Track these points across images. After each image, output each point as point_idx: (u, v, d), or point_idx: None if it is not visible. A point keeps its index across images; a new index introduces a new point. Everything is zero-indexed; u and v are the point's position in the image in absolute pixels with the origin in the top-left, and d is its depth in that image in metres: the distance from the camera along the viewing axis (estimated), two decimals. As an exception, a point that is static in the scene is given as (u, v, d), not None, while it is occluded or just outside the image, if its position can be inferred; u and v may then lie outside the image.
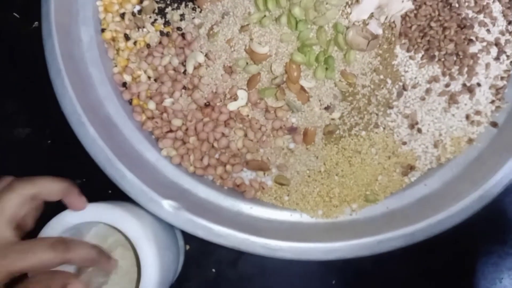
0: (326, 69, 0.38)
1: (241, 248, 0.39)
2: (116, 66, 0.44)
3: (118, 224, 0.35)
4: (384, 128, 0.42)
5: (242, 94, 0.40)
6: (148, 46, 0.44)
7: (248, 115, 0.41)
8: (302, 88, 0.39)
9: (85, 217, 0.35)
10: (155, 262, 0.35)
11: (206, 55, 0.41)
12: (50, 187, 0.34)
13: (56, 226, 0.35)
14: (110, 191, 0.48)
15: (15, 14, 0.51)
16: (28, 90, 0.48)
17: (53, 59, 0.40)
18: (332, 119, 0.40)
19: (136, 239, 0.35)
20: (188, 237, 0.48)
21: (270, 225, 0.41)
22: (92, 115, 0.40)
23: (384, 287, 0.47)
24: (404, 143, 0.42)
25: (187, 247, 0.47)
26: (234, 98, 0.41)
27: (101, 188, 0.48)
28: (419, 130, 0.42)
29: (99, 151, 0.39)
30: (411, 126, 0.42)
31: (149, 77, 0.44)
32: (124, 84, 0.44)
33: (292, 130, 0.41)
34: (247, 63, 0.40)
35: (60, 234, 0.35)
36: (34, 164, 0.48)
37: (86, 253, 0.33)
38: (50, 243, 0.31)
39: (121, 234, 0.37)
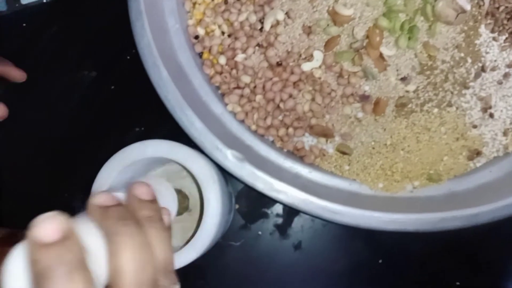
0: (409, 38, 0.38)
1: (299, 207, 0.39)
2: (191, 18, 0.45)
3: (188, 163, 0.35)
4: (457, 108, 0.41)
5: (317, 55, 0.40)
6: (226, 1, 0.44)
7: (320, 78, 0.41)
8: (381, 55, 0.38)
9: (154, 151, 0.35)
10: (218, 205, 0.35)
11: (286, 13, 0.41)
12: None
13: (123, 160, 0.35)
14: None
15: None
16: (94, 36, 0.49)
17: (135, 1, 0.41)
18: (407, 91, 0.40)
19: (204, 179, 0.35)
20: (238, 198, 0.48)
21: (329, 191, 0.41)
22: (166, 60, 0.41)
23: (431, 271, 0.46)
24: (475, 127, 0.41)
25: (237, 206, 0.47)
26: (309, 59, 0.41)
27: (158, 138, 0.49)
28: (491, 115, 0.41)
29: (171, 95, 0.40)
30: (484, 110, 0.41)
31: (222, 33, 0.44)
32: (197, 37, 0.44)
33: (364, 98, 0.40)
34: (327, 25, 0.39)
35: (126, 166, 0.35)
36: (97, 106, 0.49)
37: None
38: None
39: (185, 182, 0.37)
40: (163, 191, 0.33)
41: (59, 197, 0.47)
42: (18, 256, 0.19)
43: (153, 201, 0.25)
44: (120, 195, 0.24)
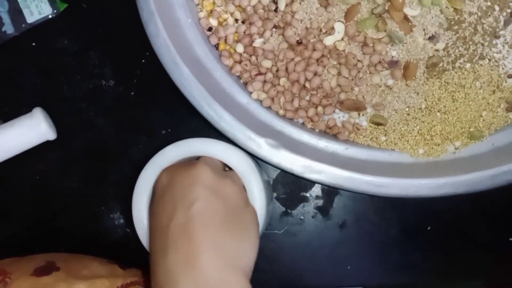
0: (433, -6, 0.36)
1: (343, 185, 0.38)
2: (201, 10, 0.44)
3: (226, 157, 0.34)
4: (489, 60, 0.39)
5: (339, 27, 0.39)
6: (234, -13, 0.43)
7: (344, 50, 0.39)
8: (405, 16, 0.37)
9: (190, 151, 0.34)
10: (262, 196, 0.34)
11: (300, -11, 0.40)
12: None
13: (161, 161, 0.35)
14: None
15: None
16: (105, 44, 0.49)
17: (145, 2, 0.40)
18: (436, 50, 0.38)
19: (244, 172, 0.34)
20: (275, 186, 0.47)
21: (369, 165, 0.40)
22: (184, 57, 0.40)
23: (482, 231, 0.45)
24: (510, 76, 0.40)
25: (275, 194, 0.47)
26: (330, 32, 0.39)
27: (186, 137, 0.49)
28: (526, 62, 0.40)
29: (196, 92, 0.39)
30: (518, 58, 0.39)
31: (236, 20, 0.43)
32: (210, 29, 0.43)
33: (392, 64, 0.39)
34: (345, -6, 0.38)
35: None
36: (120, 114, 0.48)
37: None
38: None
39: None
40: None
41: (93, 207, 0.47)
42: None
43: None
44: None
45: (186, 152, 0.34)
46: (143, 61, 0.48)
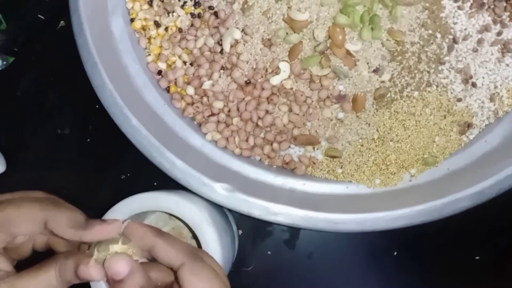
0: (372, 29, 0.36)
1: (300, 225, 0.37)
2: (149, 55, 0.43)
3: (176, 211, 0.34)
4: (437, 86, 0.39)
5: (284, 67, 0.38)
6: (180, 30, 0.42)
7: (292, 88, 0.39)
8: (348, 52, 0.37)
9: (141, 206, 0.34)
10: (217, 246, 0.34)
11: (242, 31, 0.39)
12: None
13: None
14: (155, 183, 0.47)
15: (40, 16, 0.50)
16: (61, 90, 0.48)
17: (88, 54, 0.39)
18: (382, 81, 0.38)
19: (197, 225, 0.34)
20: (240, 222, 0.47)
21: (327, 199, 0.40)
22: (133, 106, 0.39)
23: (448, 254, 0.45)
24: (459, 100, 0.40)
25: (240, 232, 0.46)
26: (276, 72, 0.39)
27: (145, 181, 0.48)
28: (474, 84, 0.40)
29: (145, 141, 0.38)
30: (465, 81, 0.40)
31: (184, 62, 0.43)
32: (160, 72, 0.43)
33: (340, 98, 0.39)
34: (287, 33, 0.38)
35: None
36: (79, 162, 0.47)
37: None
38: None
39: (178, 222, 0.36)
40: None
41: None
42: None
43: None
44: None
45: (136, 208, 0.34)
46: (97, 106, 0.48)
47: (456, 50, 0.39)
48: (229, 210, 0.46)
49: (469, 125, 0.40)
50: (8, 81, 0.48)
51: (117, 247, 0.30)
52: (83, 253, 0.30)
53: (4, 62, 0.48)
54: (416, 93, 0.39)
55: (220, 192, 0.38)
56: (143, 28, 0.43)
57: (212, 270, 0.29)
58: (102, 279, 0.29)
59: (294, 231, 0.46)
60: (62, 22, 0.50)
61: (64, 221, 0.29)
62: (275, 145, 0.41)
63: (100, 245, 0.30)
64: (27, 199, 0.30)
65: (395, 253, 0.45)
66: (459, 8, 0.38)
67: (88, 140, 0.48)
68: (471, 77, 0.39)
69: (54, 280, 0.28)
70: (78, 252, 0.31)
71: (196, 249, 0.32)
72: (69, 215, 0.29)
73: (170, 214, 0.35)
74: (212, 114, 0.42)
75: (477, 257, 0.45)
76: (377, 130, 0.40)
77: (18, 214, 0.28)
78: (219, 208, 0.40)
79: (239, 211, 0.38)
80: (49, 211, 0.29)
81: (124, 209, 0.34)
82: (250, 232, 0.46)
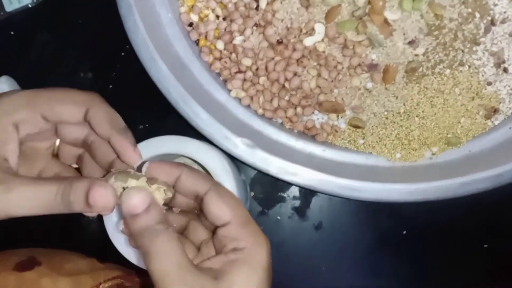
0: (413, -1, 0.36)
1: (317, 187, 0.37)
2: (183, 5, 0.43)
3: (198, 157, 0.34)
4: (469, 67, 0.39)
5: (319, 28, 0.38)
6: (216, -17, 0.42)
7: (324, 51, 0.39)
8: (386, 20, 0.37)
9: (163, 149, 0.34)
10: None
11: (281, -12, 0.39)
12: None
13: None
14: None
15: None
16: (85, 36, 0.48)
17: (123, -3, 0.39)
18: (416, 55, 0.38)
19: (218, 172, 0.33)
20: (252, 185, 0.47)
21: (345, 168, 0.40)
22: (162, 54, 0.39)
23: (457, 236, 0.45)
24: (489, 84, 0.40)
25: (252, 193, 0.46)
26: (310, 33, 0.39)
27: (162, 133, 0.48)
28: (505, 70, 0.39)
29: (173, 88, 0.38)
30: (497, 65, 0.39)
31: (217, 16, 0.42)
32: (191, 24, 0.43)
33: (372, 67, 0.38)
34: (326, -5, 0.38)
35: None
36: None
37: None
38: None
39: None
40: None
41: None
42: None
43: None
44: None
45: (158, 149, 0.34)
46: (122, 54, 0.47)
47: (493, 33, 0.39)
48: (243, 173, 0.46)
49: (495, 111, 0.40)
50: (36, 20, 0.48)
51: (135, 182, 0.28)
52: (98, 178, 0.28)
53: (34, 0, 0.47)
54: (448, 71, 0.39)
55: (240, 146, 0.38)
56: (179, -22, 0.43)
57: (235, 196, 0.29)
58: (113, 208, 0.27)
59: (305, 200, 0.46)
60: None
61: (104, 114, 0.29)
62: (298, 109, 0.41)
63: (118, 175, 0.28)
64: (75, 89, 0.30)
65: (404, 232, 0.45)
66: (502, -11, 0.38)
67: (110, 86, 0.48)
68: (503, 62, 0.39)
69: (53, 197, 0.26)
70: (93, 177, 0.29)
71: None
72: (111, 111, 0.30)
73: (191, 161, 0.35)
74: (239, 71, 0.42)
75: (486, 245, 0.45)
76: (404, 104, 0.39)
77: (65, 94, 0.29)
78: (235, 167, 0.40)
79: (257, 168, 0.38)
80: (93, 100, 0.29)
81: (146, 149, 0.34)
82: (261, 195, 0.46)
